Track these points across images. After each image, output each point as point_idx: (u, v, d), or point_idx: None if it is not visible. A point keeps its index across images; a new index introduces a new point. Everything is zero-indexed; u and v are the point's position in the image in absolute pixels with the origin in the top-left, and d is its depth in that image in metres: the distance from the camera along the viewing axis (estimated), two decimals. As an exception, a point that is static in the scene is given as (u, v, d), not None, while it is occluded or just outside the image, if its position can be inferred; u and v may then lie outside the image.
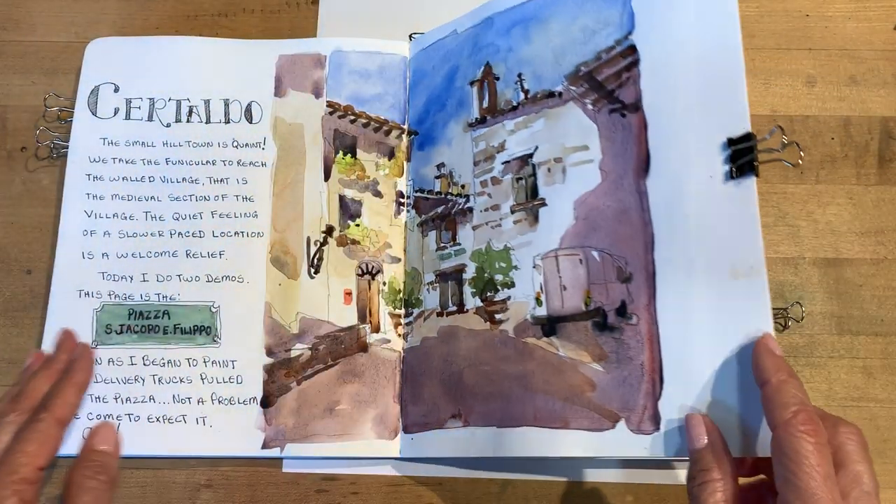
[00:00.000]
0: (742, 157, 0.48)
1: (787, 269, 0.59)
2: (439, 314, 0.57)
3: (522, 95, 0.57)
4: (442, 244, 0.58)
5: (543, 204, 0.54)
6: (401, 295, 0.58)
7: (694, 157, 0.49)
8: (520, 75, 0.57)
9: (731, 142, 0.49)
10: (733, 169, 0.48)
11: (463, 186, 0.58)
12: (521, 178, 0.55)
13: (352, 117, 0.61)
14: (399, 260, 0.59)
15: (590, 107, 0.54)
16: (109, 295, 0.58)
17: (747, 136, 0.48)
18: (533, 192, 0.55)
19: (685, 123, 0.50)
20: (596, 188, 0.52)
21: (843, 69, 0.63)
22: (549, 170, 0.54)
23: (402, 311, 0.58)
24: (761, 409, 0.43)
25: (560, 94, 0.55)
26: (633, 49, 0.53)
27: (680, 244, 0.49)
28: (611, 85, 0.53)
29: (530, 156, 0.55)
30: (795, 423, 0.40)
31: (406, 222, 0.60)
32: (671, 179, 0.50)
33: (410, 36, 0.64)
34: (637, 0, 0.53)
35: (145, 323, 0.57)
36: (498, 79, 0.58)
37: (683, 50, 0.51)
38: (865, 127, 0.61)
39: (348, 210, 0.59)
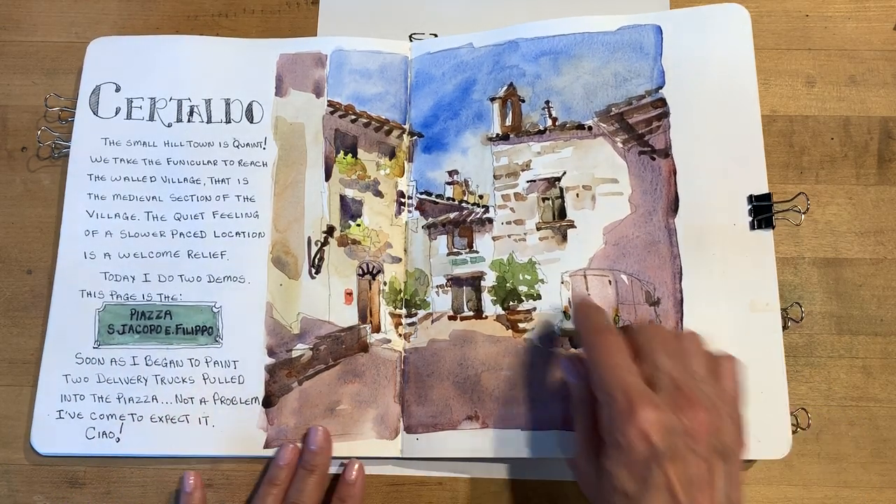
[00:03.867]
0: (762, 213, 0.56)
1: (786, 269, 0.59)
2: (451, 318, 0.57)
3: (550, 122, 0.59)
4: (455, 249, 0.59)
5: (572, 225, 0.57)
6: (402, 295, 0.58)
7: (720, 206, 0.56)
8: (547, 102, 0.60)
9: (752, 198, 0.56)
10: (754, 221, 0.56)
11: (481, 196, 0.59)
12: (547, 199, 0.58)
13: (353, 117, 0.61)
14: (400, 260, 0.59)
15: (620, 145, 0.58)
16: (111, 295, 0.58)
17: (767, 196, 0.56)
18: (561, 213, 0.58)
19: (712, 175, 0.57)
20: (625, 219, 0.57)
21: (843, 69, 0.63)
22: (577, 195, 0.58)
23: (404, 311, 0.58)
24: (770, 419, 0.53)
25: (590, 127, 0.59)
26: (663, 102, 0.58)
27: (706, 278, 0.55)
28: (641, 129, 0.58)
29: (558, 179, 0.58)
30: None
31: (407, 222, 0.60)
32: (699, 221, 0.56)
33: (411, 36, 0.64)
34: (667, 60, 0.58)
35: (147, 323, 0.58)
36: (523, 101, 0.60)
37: (709, 112, 0.58)
38: (865, 127, 0.61)
39: (349, 210, 0.59)
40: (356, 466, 0.55)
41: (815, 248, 0.59)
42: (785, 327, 0.57)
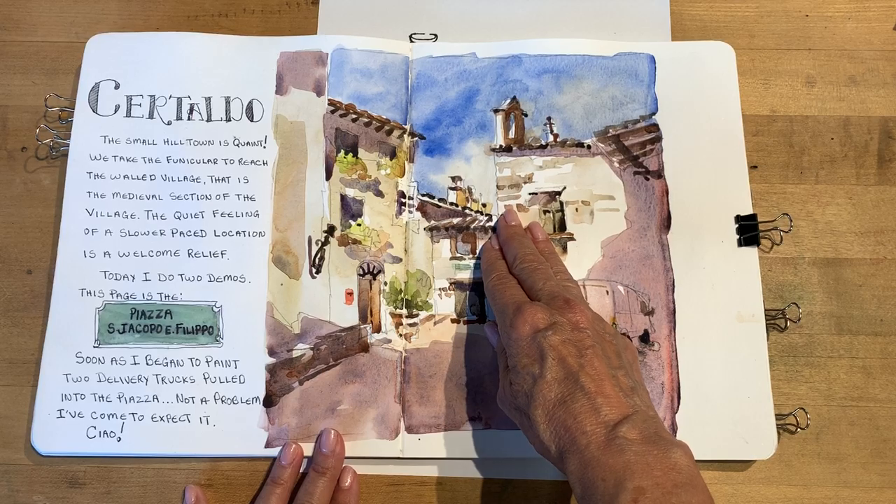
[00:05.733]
0: (748, 231, 0.58)
1: (786, 269, 0.59)
2: (454, 321, 0.58)
3: (552, 138, 0.61)
4: (459, 254, 0.59)
5: (572, 238, 0.59)
6: (402, 295, 0.58)
7: (709, 224, 0.59)
8: (549, 119, 0.61)
9: (739, 218, 0.59)
10: (741, 239, 0.59)
11: (484, 205, 0.60)
12: (548, 211, 0.60)
13: (353, 116, 0.61)
14: (400, 260, 0.59)
15: (616, 165, 0.60)
16: (111, 294, 0.58)
17: (752, 217, 0.59)
18: (561, 225, 0.60)
19: (701, 196, 0.60)
20: (622, 233, 0.59)
21: (843, 69, 0.63)
22: (576, 209, 0.60)
23: (405, 312, 0.58)
24: (756, 421, 0.55)
25: (589, 146, 0.61)
26: (656, 127, 0.61)
27: (697, 290, 0.58)
28: (636, 151, 0.60)
29: (558, 193, 0.60)
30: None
31: (408, 223, 0.60)
32: (690, 238, 0.59)
33: (411, 37, 0.64)
34: (660, 88, 0.62)
35: (148, 322, 0.57)
36: (526, 115, 0.62)
37: (698, 139, 0.61)
38: (865, 127, 0.62)
39: (350, 209, 0.59)
40: (350, 473, 0.55)
41: (815, 248, 0.59)
42: (784, 328, 0.57)
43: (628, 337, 0.57)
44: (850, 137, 0.61)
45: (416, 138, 0.61)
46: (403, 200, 0.60)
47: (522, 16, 0.65)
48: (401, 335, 0.58)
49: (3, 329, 0.59)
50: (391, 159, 0.61)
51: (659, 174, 0.60)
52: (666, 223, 0.59)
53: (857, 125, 0.62)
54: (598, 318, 0.50)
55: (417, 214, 0.60)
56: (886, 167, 0.61)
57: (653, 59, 0.62)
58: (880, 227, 0.60)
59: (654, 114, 0.61)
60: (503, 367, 0.51)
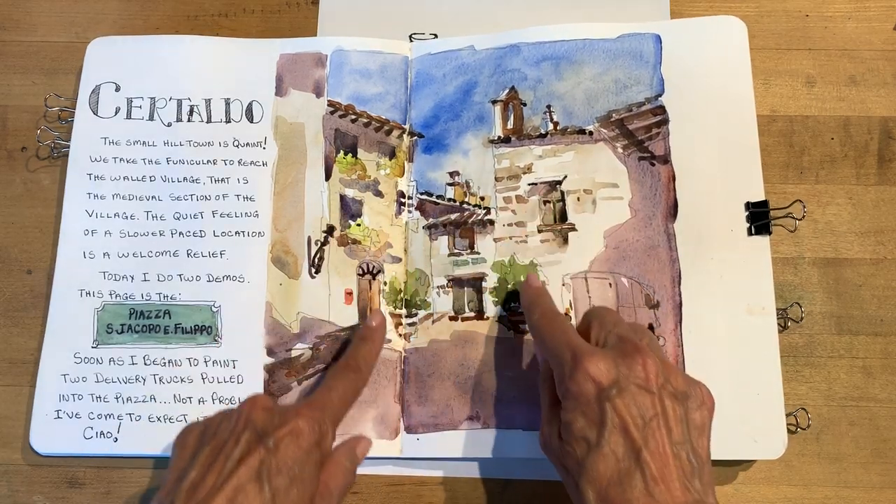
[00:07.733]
0: (759, 219, 0.56)
1: (786, 269, 0.59)
2: (452, 318, 0.57)
3: (551, 126, 0.60)
4: (456, 250, 0.59)
5: (573, 228, 0.58)
6: (402, 295, 0.58)
7: (718, 212, 0.57)
8: (549, 107, 0.60)
9: (749, 205, 0.57)
10: (752, 227, 0.57)
11: (482, 198, 0.59)
12: (548, 202, 0.59)
13: (353, 117, 0.61)
14: (400, 260, 0.59)
15: (620, 150, 0.58)
16: (110, 294, 0.58)
17: (763, 203, 0.57)
18: (562, 216, 0.58)
19: (710, 182, 0.58)
20: (626, 223, 0.57)
21: (843, 69, 0.63)
22: (578, 198, 0.58)
23: (404, 312, 0.58)
24: (766, 420, 0.53)
25: (590, 132, 0.59)
26: (662, 109, 0.59)
27: (704, 282, 0.56)
28: (641, 135, 0.58)
29: (559, 182, 0.59)
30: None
31: (408, 223, 0.60)
32: (697, 227, 0.57)
33: (411, 36, 0.64)
34: (667, 69, 0.60)
35: (146, 322, 0.57)
36: (525, 104, 0.60)
37: (707, 121, 0.59)
38: (865, 127, 0.61)
39: (349, 210, 0.59)
40: (379, 316, 0.55)
41: (815, 248, 0.59)
42: (785, 327, 0.57)
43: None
44: (850, 137, 0.61)
45: (415, 137, 0.61)
46: (403, 200, 0.60)
47: (523, 12, 0.65)
48: (400, 335, 0.58)
49: (3, 329, 0.59)
50: (390, 159, 0.61)
51: (665, 159, 0.58)
52: (672, 211, 0.58)
53: (857, 125, 0.61)
54: (668, 367, 0.44)
55: (417, 214, 0.60)
56: (886, 167, 0.61)
57: (658, 39, 0.61)
58: (880, 227, 0.60)
59: (659, 95, 0.60)
60: (547, 404, 0.48)
